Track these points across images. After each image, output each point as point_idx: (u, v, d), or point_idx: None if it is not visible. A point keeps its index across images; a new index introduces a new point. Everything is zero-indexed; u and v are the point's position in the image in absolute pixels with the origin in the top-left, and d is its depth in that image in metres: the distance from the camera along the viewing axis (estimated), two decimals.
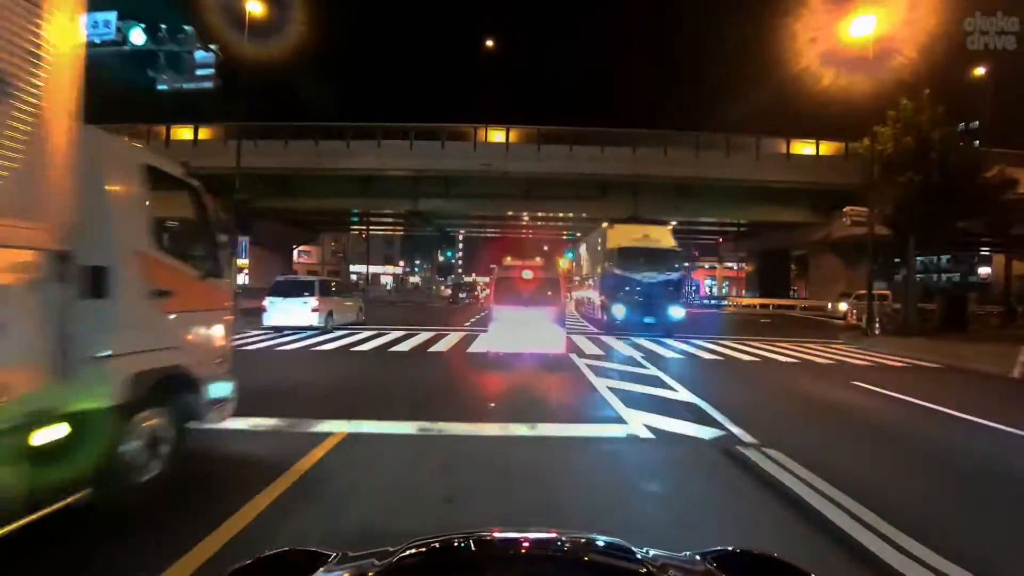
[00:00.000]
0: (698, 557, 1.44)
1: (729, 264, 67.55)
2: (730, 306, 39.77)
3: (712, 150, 31.23)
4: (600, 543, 1.39)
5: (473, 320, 21.62)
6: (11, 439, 2.71)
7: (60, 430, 3.00)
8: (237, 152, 21.64)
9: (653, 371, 10.25)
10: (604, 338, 16.04)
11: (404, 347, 13.11)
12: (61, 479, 2.98)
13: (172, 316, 4.03)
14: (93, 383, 3.23)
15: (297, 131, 31.08)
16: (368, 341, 14.03)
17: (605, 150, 30.44)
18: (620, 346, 14.20)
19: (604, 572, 1.26)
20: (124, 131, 32.92)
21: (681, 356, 12.71)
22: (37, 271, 2.80)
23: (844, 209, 22.98)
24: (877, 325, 19.58)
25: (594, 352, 12.79)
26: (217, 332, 4.63)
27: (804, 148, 32.56)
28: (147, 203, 3.86)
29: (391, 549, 1.30)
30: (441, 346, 13.34)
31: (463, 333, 16.42)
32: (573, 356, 11.57)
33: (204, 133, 31.63)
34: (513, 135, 31.04)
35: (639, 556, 1.26)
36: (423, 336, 15.36)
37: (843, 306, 29.60)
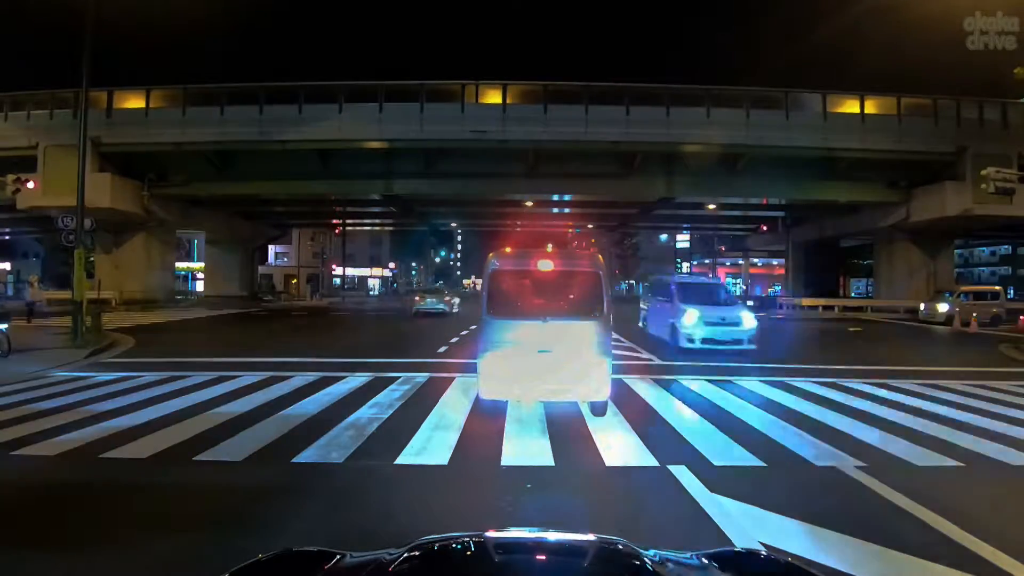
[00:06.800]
0: (700, 557, 1.40)
1: (755, 260, 60.55)
2: (779, 308, 32.72)
3: (766, 109, 24.41)
4: (602, 543, 1.35)
5: (454, 341, 14.73)
6: None
7: None
8: None
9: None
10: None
11: None
12: None
13: None
14: None
15: (236, 93, 24.35)
16: None
17: (631, 111, 23.65)
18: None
19: (607, 572, 1.25)
20: (33, 99, 26.37)
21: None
22: None
23: (985, 171, 16.12)
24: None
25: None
26: None
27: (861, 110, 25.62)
28: None
29: (393, 551, 1.27)
30: None
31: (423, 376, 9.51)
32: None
33: (121, 100, 24.84)
34: (513, 94, 24.23)
35: (641, 556, 1.25)
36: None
37: (942, 307, 22.73)
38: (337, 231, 48.66)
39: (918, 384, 8.74)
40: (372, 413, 6.53)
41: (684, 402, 7.30)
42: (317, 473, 4.56)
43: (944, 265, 29.44)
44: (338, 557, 1.35)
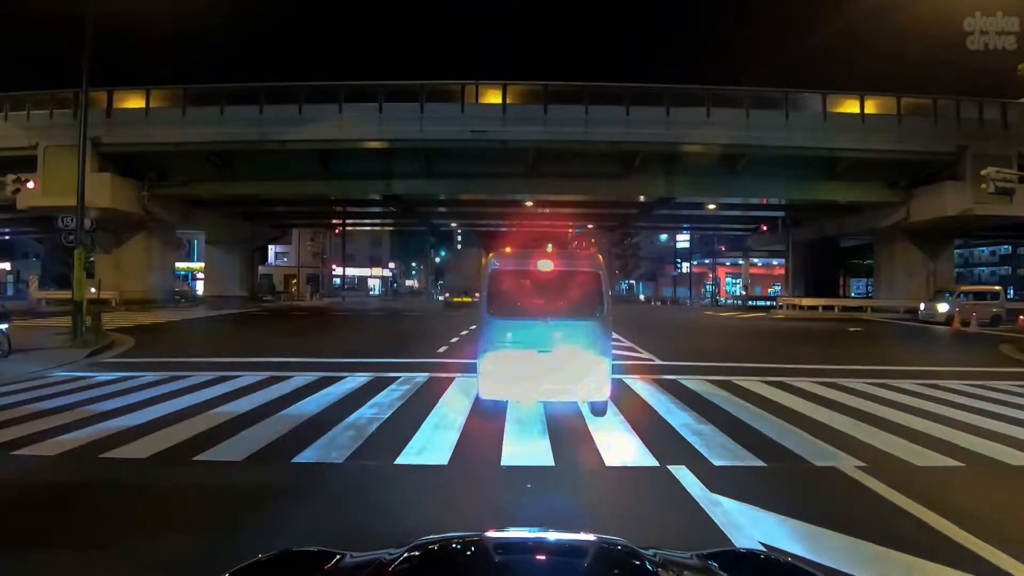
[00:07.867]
0: (700, 557, 1.40)
1: (755, 260, 60.46)
2: (779, 308, 32.71)
3: (766, 109, 24.42)
4: (602, 543, 1.35)
5: (456, 340, 14.74)
6: None
7: None
8: None
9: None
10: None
11: None
12: None
13: None
14: None
15: (236, 93, 24.36)
16: None
17: (631, 111, 23.67)
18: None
19: (607, 572, 1.25)
20: (33, 99, 26.33)
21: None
22: None
23: (985, 171, 16.13)
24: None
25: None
26: None
27: (855, 110, 25.60)
28: None
29: (393, 551, 1.26)
30: None
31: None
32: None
33: (120, 100, 24.85)
34: (513, 94, 24.25)
35: (641, 556, 1.25)
36: None
37: (942, 307, 22.74)
38: (337, 231, 48.69)
39: (918, 384, 8.74)
40: (372, 413, 6.53)
41: (684, 402, 7.30)
42: (317, 473, 4.56)
43: (944, 265, 29.42)
44: (338, 557, 1.35)
